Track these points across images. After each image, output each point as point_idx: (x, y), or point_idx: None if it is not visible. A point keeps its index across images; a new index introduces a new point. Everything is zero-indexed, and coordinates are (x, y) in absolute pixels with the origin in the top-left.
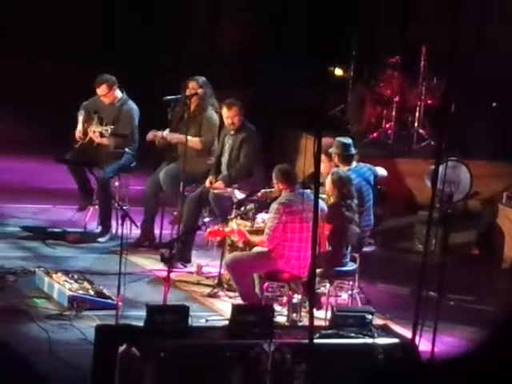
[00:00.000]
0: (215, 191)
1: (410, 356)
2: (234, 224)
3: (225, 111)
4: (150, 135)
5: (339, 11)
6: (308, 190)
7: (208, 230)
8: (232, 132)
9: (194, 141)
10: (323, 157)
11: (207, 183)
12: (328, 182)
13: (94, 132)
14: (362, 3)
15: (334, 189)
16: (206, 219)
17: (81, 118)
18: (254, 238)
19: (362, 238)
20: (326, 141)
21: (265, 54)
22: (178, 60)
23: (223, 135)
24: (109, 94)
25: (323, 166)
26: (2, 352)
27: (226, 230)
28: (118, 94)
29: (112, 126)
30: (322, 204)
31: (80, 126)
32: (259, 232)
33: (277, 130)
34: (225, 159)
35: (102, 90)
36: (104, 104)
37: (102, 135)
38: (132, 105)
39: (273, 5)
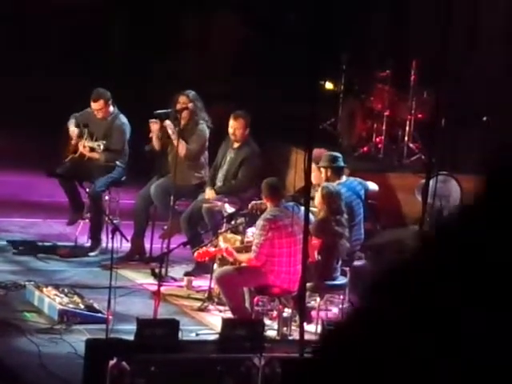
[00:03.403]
0: (207, 205)
1: None
2: (221, 243)
3: (231, 121)
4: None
5: (330, 25)
6: (292, 203)
7: (196, 252)
8: (235, 146)
9: (181, 147)
10: (314, 166)
11: (206, 193)
12: (318, 195)
13: (85, 147)
14: (353, 17)
15: (324, 203)
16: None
17: (72, 126)
18: (242, 257)
19: (353, 252)
20: (318, 152)
21: (256, 68)
22: (169, 74)
23: (225, 147)
24: (104, 109)
25: (314, 176)
26: None
27: (214, 249)
28: (111, 108)
29: (104, 142)
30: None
31: (73, 129)
32: (249, 248)
33: (267, 144)
34: (222, 171)
35: (98, 105)
36: (95, 118)
37: (93, 150)
38: (123, 119)
39: (264, 18)
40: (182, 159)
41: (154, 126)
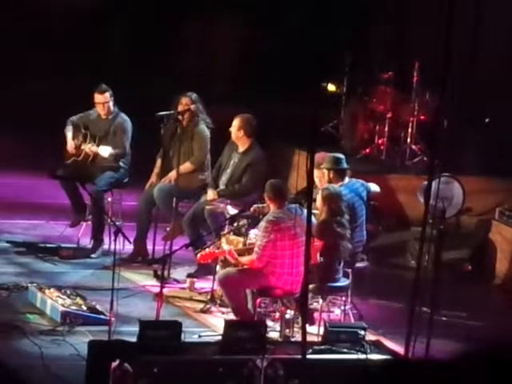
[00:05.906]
0: (210, 207)
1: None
2: (224, 245)
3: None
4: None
5: (333, 27)
6: (294, 205)
7: (199, 253)
8: (240, 150)
9: (186, 167)
10: (317, 171)
11: (208, 194)
12: (318, 197)
13: (91, 151)
14: (356, 19)
15: (324, 205)
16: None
17: (69, 134)
18: (244, 259)
19: (355, 254)
20: (320, 156)
21: (258, 69)
22: (170, 75)
23: (229, 149)
24: (109, 102)
25: (318, 180)
26: None
27: (217, 251)
28: (112, 106)
29: (109, 148)
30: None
31: (70, 140)
32: (251, 249)
33: (270, 146)
34: (226, 175)
35: (104, 98)
36: (95, 119)
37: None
38: (125, 117)
39: (268, 21)
40: (185, 160)
41: (154, 177)
